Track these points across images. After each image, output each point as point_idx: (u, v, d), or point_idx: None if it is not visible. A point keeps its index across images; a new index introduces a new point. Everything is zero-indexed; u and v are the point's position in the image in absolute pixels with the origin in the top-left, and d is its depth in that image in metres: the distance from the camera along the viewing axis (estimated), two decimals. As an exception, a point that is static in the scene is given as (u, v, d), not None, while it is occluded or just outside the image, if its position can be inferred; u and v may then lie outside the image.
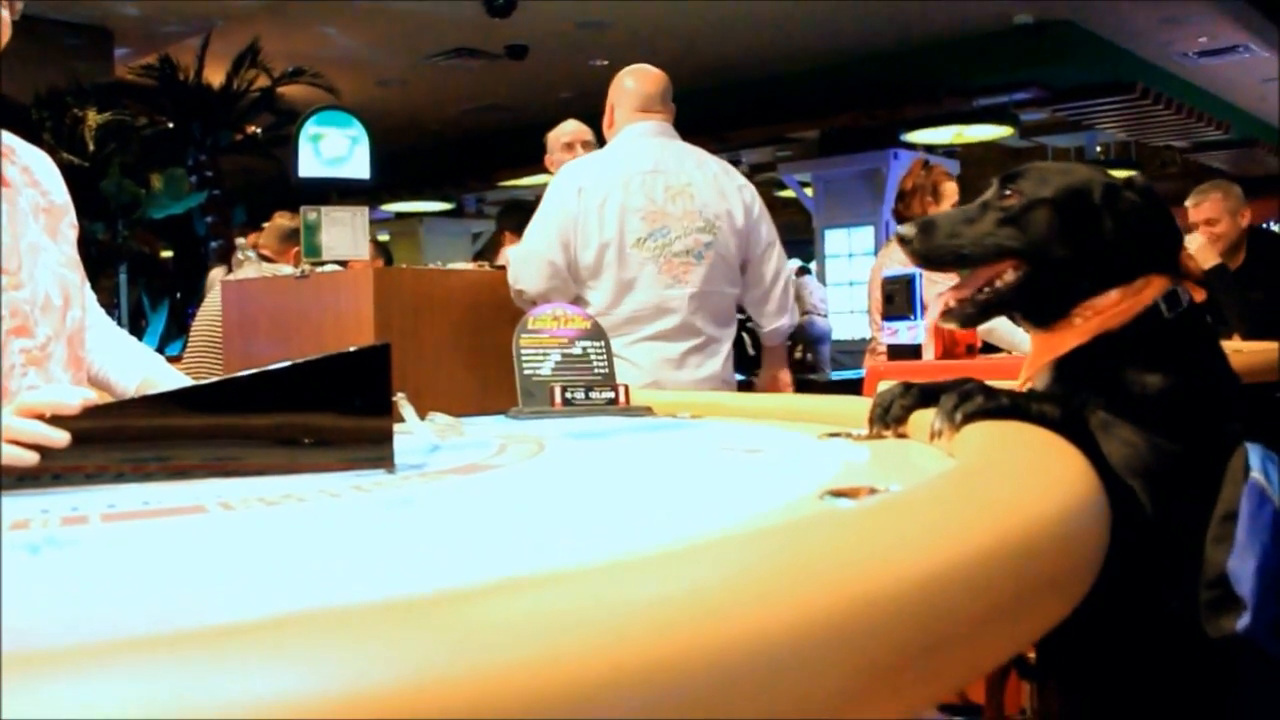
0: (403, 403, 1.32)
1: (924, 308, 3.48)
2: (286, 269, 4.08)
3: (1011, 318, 1.36)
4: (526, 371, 1.81)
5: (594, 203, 2.73)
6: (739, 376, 3.20)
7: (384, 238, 14.63)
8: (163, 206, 8.94)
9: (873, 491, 0.78)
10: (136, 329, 8.46)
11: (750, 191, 2.94)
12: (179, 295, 9.24)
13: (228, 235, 9.05)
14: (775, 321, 3.02)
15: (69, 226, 1.67)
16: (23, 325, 1.50)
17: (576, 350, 1.87)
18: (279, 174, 8.30)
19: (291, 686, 0.29)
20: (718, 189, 2.85)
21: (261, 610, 0.51)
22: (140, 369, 1.74)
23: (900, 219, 4.01)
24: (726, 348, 2.87)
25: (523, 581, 0.39)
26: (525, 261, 2.80)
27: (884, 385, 1.30)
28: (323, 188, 3.72)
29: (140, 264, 9.07)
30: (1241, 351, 2.54)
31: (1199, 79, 11.75)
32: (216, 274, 5.08)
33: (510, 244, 4.28)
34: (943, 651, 0.46)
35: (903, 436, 1.21)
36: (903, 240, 1.31)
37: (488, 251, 13.76)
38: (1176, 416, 1.20)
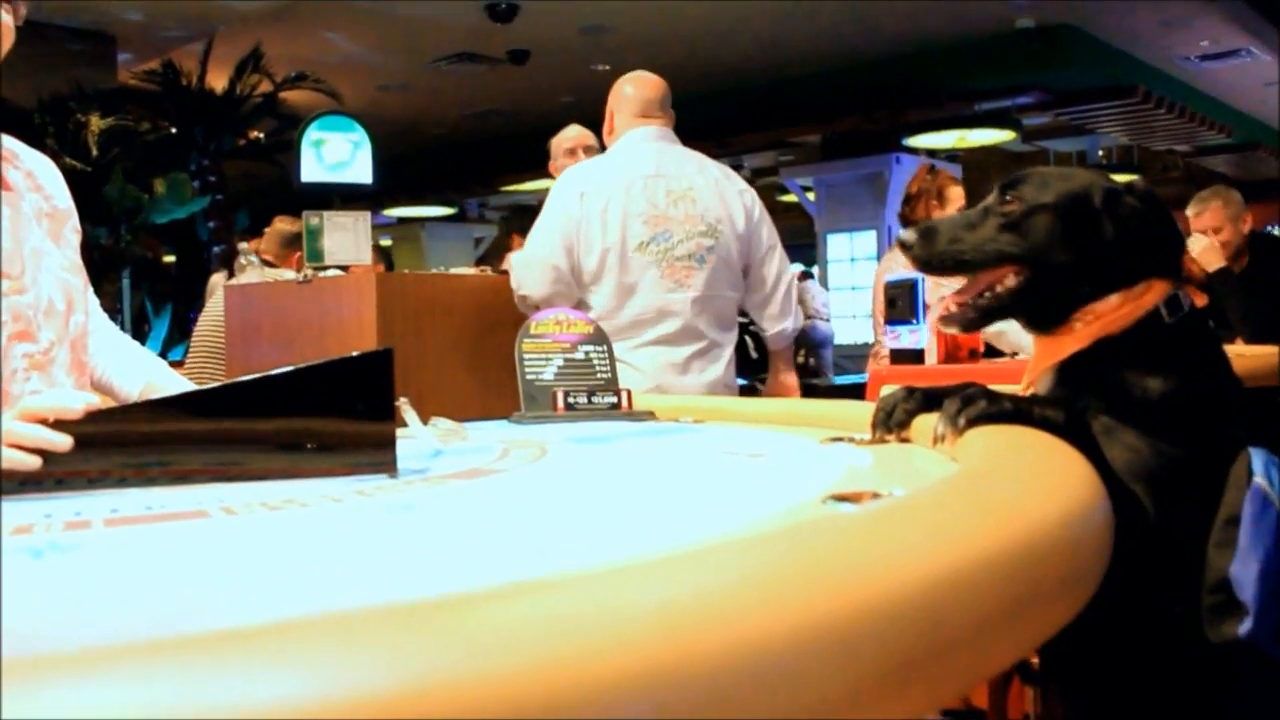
0: (405, 407, 1.32)
1: (927, 311, 3.48)
2: (289, 274, 4.08)
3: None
4: (529, 376, 1.81)
5: (596, 207, 2.73)
6: (741, 381, 3.20)
7: (386, 242, 14.64)
8: (165, 211, 8.96)
9: (875, 496, 0.77)
10: (139, 334, 8.47)
11: (751, 195, 2.95)
12: (182, 300, 9.26)
13: (230, 240, 9.07)
14: (778, 325, 3.02)
15: (72, 231, 1.68)
16: (26, 330, 1.50)
17: (579, 355, 1.87)
18: (282, 179, 8.33)
19: (293, 691, 0.29)
20: (719, 193, 2.86)
21: (263, 615, 0.51)
22: (143, 374, 1.74)
23: (906, 223, 4.02)
24: (729, 352, 2.87)
25: (525, 586, 0.39)
26: (528, 266, 2.80)
27: (887, 390, 1.30)
28: (325, 192, 3.73)
29: (143, 269, 9.08)
30: (1244, 356, 2.54)
31: (1201, 83, 11.76)
32: (218, 279, 5.08)
33: (517, 248, 4.29)
34: (946, 656, 0.46)
35: (906, 441, 1.20)
36: (904, 246, 1.31)
37: (492, 256, 13.78)
38: (1179, 421, 1.20)
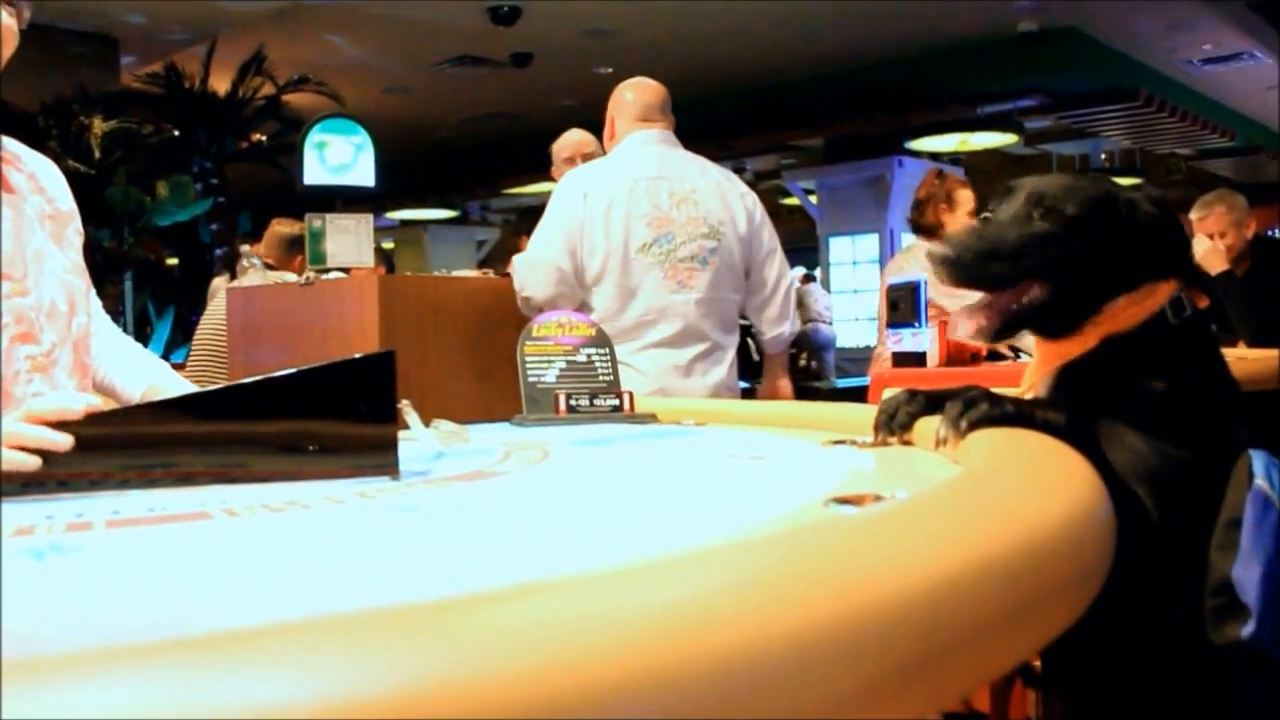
0: (407, 410, 1.32)
1: (929, 315, 3.48)
2: (290, 276, 4.09)
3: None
4: (531, 379, 1.81)
5: (599, 208, 2.73)
6: (743, 384, 3.20)
7: (388, 245, 14.65)
8: (168, 214, 8.97)
9: (878, 499, 0.77)
10: (141, 336, 8.47)
11: (752, 198, 2.96)
12: (184, 303, 9.26)
13: (233, 243, 9.07)
14: (777, 328, 3.03)
15: (74, 233, 1.68)
16: (28, 332, 1.50)
17: (581, 357, 1.87)
18: (284, 181, 8.33)
19: (295, 693, 0.29)
20: (720, 196, 2.86)
21: (265, 617, 0.51)
22: (145, 375, 1.74)
23: (916, 228, 4.03)
24: (731, 354, 2.88)
25: (527, 588, 0.39)
26: (531, 268, 2.81)
27: (889, 393, 1.30)
28: (327, 195, 3.73)
29: (145, 271, 9.09)
30: (1246, 359, 2.54)
31: (1203, 86, 11.75)
32: (219, 282, 5.08)
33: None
34: (948, 659, 0.46)
35: (908, 444, 1.20)
36: (941, 262, 1.28)
37: (495, 258, 13.78)
38: (1182, 422, 1.20)
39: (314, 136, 5.63)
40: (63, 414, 0.99)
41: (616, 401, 1.80)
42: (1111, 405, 1.20)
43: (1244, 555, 1.12)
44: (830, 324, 11.64)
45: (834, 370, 11.07)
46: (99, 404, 1.03)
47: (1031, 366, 1.36)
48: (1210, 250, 3.80)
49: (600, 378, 1.86)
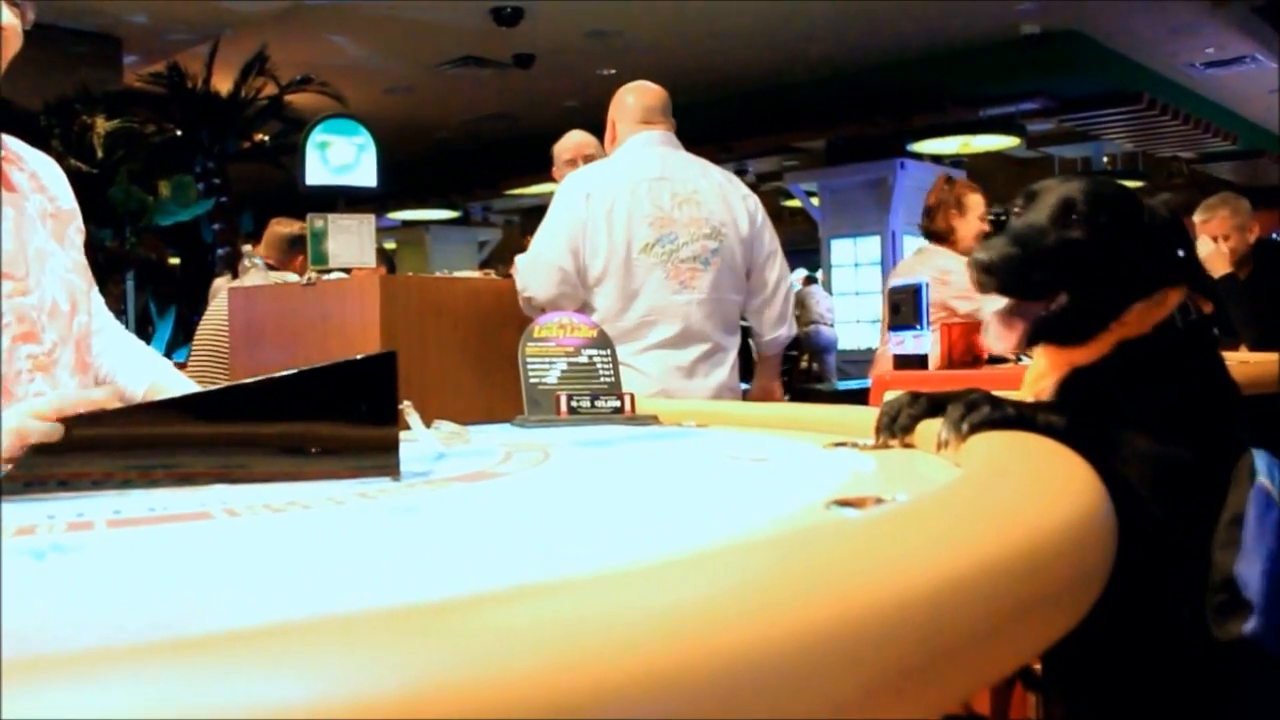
0: (408, 410, 1.32)
1: (939, 318, 3.49)
2: (292, 276, 4.09)
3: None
4: (532, 380, 1.81)
5: (602, 209, 2.74)
6: (744, 385, 3.21)
7: (390, 245, 14.66)
8: (170, 214, 8.97)
9: (879, 501, 0.77)
10: (143, 336, 8.43)
11: (753, 200, 2.96)
12: (186, 302, 9.27)
13: (235, 242, 9.08)
14: (775, 331, 3.04)
15: (76, 232, 1.68)
16: (30, 331, 1.50)
17: (582, 359, 1.87)
18: (286, 181, 8.34)
19: (295, 694, 0.29)
20: (722, 197, 2.87)
21: (266, 617, 0.51)
22: (148, 374, 1.74)
23: (927, 234, 4.05)
24: (733, 356, 2.88)
25: (528, 589, 0.39)
26: (534, 268, 2.81)
27: (890, 395, 1.29)
28: (330, 195, 3.74)
29: (147, 271, 9.09)
30: (1247, 363, 2.54)
31: (1206, 90, 11.76)
32: (220, 282, 5.08)
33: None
34: (948, 662, 0.46)
35: (909, 446, 1.20)
36: (982, 269, 1.26)
37: (498, 259, 13.78)
38: (1188, 424, 1.21)
39: (316, 137, 5.62)
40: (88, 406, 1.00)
41: (618, 403, 1.80)
42: (1119, 408, 1.21)
43: (1246, 552, 1.12)
44: (832, 326, 11.65)
45: (835, 372, 11.08)
46: (117, 391, 1.03)
47: (1033, 370, 1.36)
48: (1214, 253, 3.80)
49: (601, 379, 1.86)
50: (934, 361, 3.21)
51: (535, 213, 4.74)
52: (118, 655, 0.30)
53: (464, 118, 12.67)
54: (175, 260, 10.47)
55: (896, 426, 1.21)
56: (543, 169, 3.94)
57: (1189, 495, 1.18)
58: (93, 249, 1.73)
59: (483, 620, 0.35)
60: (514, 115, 12.32)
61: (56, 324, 1.55)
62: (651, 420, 1.77)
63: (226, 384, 1.21)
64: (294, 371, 1.05)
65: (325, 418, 1.06)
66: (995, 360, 3.22)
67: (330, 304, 3.21)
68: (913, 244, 12.01)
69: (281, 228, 4.51)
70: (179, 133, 9.92)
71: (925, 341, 3.20)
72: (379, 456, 1.05)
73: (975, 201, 3.93)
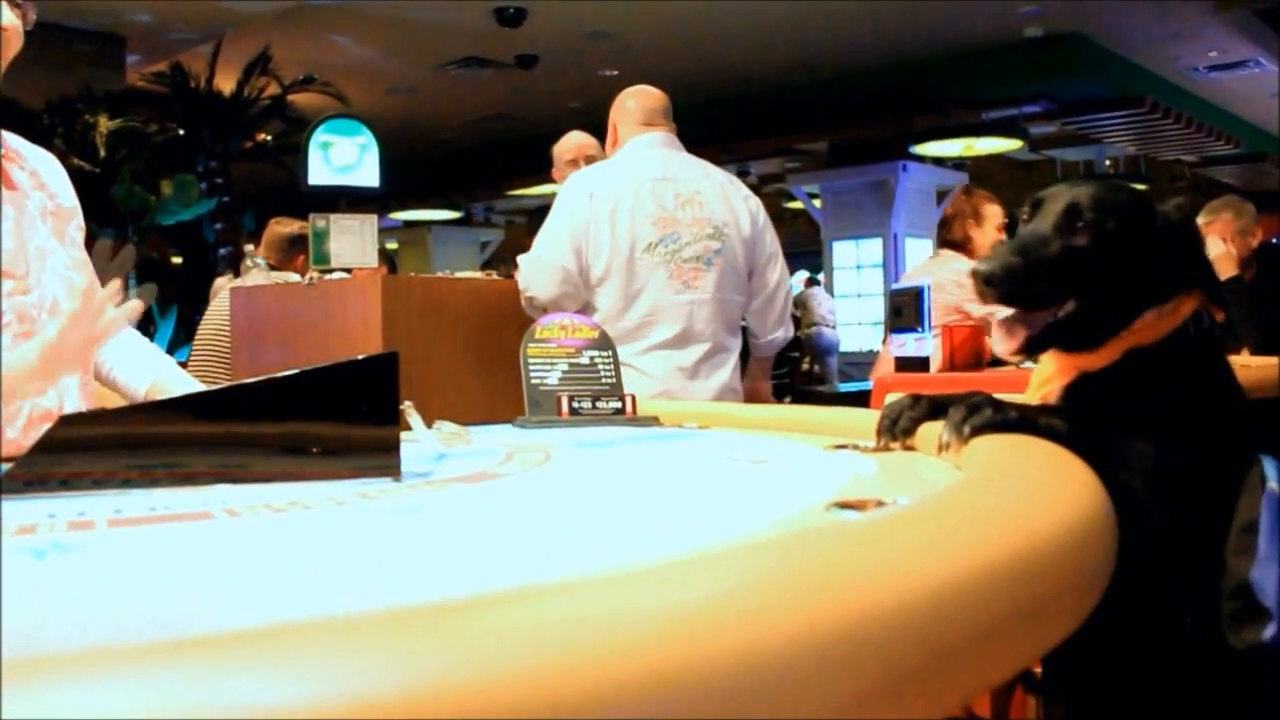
0: (410, 411, 1.32)
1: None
2: (293, 276, 4.09)
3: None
4: (533, 381, 1.81)
5: (605, 208, 2.74)
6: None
7: (392, 246, 14.66)
8: (172, 213, 8.98)
9: (880, 504, 0.77)
10: (145, 334, 8.46)
11: (755, 202, 2.97)
12: (187, 302, 9.27)
13: (237, 242, 9.08)
14: (774, 332, 3.05)
15: (76, 229, 1.68)
16: (30, 330, 1.50)
17: (584, 360, 1.87)
18: (289, 181, 8.34)
19: (295, 694, 0.29)
20: (724, 198, 2.88)
21: (266, 617, 0.51)
22: (150, 372, 1.74)
23: (944, 244, 4.06)
24: (735, 357, 2.89)
25: (529, 591, 0.39)
26: (536, 267, 2.81)
27: (892, 397, 1.29)
28: (332, 195, 3.73)
29: (149, 270, 9.09)
30: (1249, 367, 2.54)
31: (1208, 93, 11.76)
32: (221, 282, 5.08)
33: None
34: (949, 665, 0.46)
35: (910, 449, 1.20)
36: (983, 281, 1.26)
37: (500, 260, 13.78)
38: (1192, 431, 1.21)
39: (319, 136, 5.62)
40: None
41: (619, 404, 1.80)
42: (1129, 414, 1.20)
43: (1262, 558, 1.12)
44: (833, 328, 11.64)
45: (837, 374, 11.07)
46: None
47: (1039, 373, 1.36)
48: (1223, 255, 3.79)
49: (603, 380, 1.86)
50: (936, 364, 3.21)
51: (541, 213, 4.75)
52: (118, 655, 0.30)
53: (466, 118, 12.68)
54: (177, 260, 10.47)
55: (898, 429, 1.21)
56: (545, 170, 3.94)
57: (1191, 500, 1.18)
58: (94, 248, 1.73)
59: (483, 621, 0.35)
60: (516, 116, 12.32)
61: (57, 322, 1.55)
62: (652, 421, 1.77)
63: (228, 384, 1.21)
64: (295, 371, 1.05)
65: (326, 418, 1.06)
66: (997, 363, 3.22)
67: (332, 304, 3.21)
68: (914, 246, 12.04)
69: (281, 228, 4.50)
70: (181, 132, 9.92)
71: (927, 344, 3.21)
72: (380, 457, 1.05)
73: (993, 212, 3.95)
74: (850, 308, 12.40)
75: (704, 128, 8.50)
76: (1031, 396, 1.34)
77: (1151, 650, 1.21)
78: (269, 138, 10.72)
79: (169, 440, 1.01)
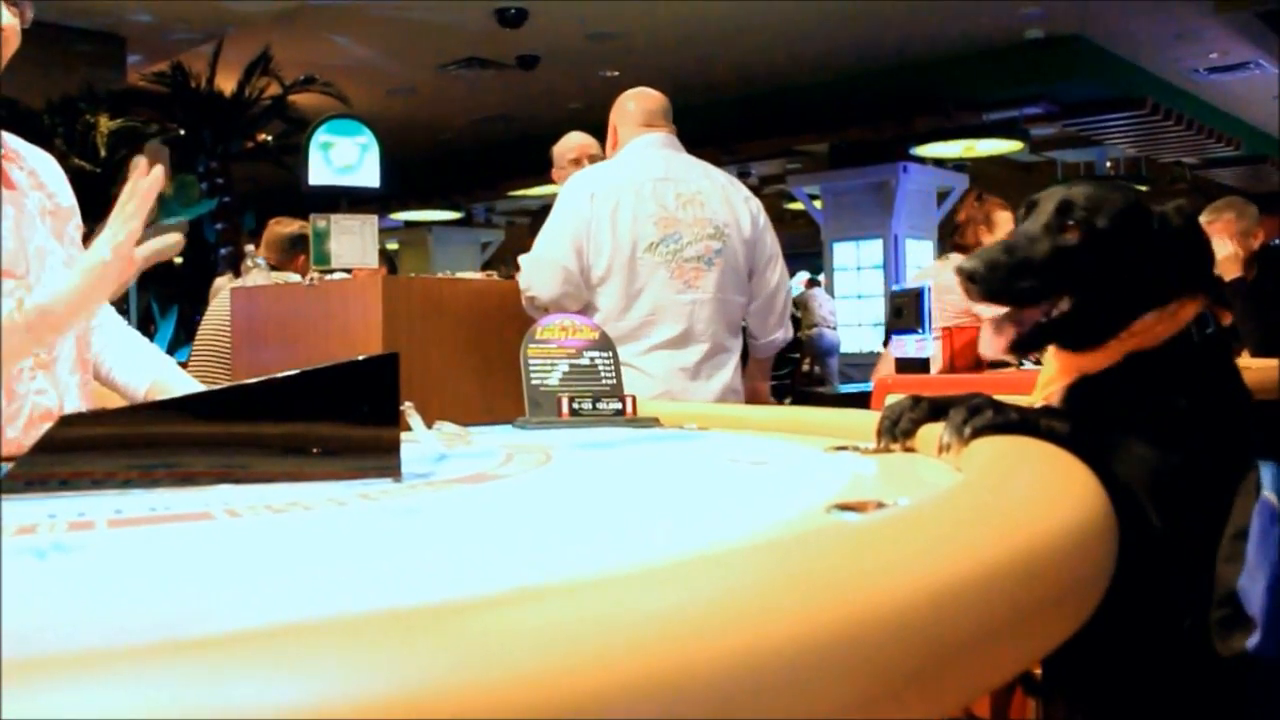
0: (410, 412, 1.33)
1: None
2: (293, 276, 4.09)
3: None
4: (534, 381, 1.81)
5: (606, 208, 2.74)
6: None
7: (393, 246, 14.65)
8: (173, 213, 8.97)
9: (880, 505, 0.77)
10: (145, 335, 8.45)
11: (756, 203, 2.98)
12: (188, 302, 9.27)
13: (237, 242, 9.08)
14: (774, 333, 3.05)
15: (75, 229, 1.68)
16: (31, 330, 1.50)
17: (584, 361, 1.87)
18: (289, 181, 8.34)
19: (295, 695, 0.29)
20: (725, 198, 2.88)
21: (267, 618, 0.51)
22: (150, 372, 1.74)
23: (956, 250, 4.07)
24: (736, 357, 2.89)
25: (529, 592, 0.39)
26: (538, 267, 2.81)
27: (892, 399, 1.29)
28: (333, 195, 3.73)
29: (150, 270, 9.08)
30: (1249, 369, 2.53)
31: (1209, 95, 11.76)
32: (221, 281, 5.08)
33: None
34: (949, 667, 0.46)
35: (911, 450, 1.20)
36: (966, 278, 1.26)
37: (500, 260, 13.78)
38: (1198, 436, 1.20)
39: (319, 137, 5.62)
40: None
41: (619, 405, 1.80)
42: (1130, 417, 1.20)
43: (1250, 567, 1.11)
44: (834, 329, 11.64)
45: (837, 375, 11.07)
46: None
47: (1044, 375, 1.36)
48: (1230, 256, 3.78)
49: (603, 381, 1.87)
50: (936, 365, 3.21)
51: (542, 214, 4.74)
52: (118, 655, 0.30)
53: (467, 119, 12.67)
54: (178, 260, 10.46)
55: (898, 430, 1.21)
56: (546, 170, 3.94)
57: (1191, 504, 1.17)
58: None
59: (484, 623, 0.35)
60: (517, 116, 12.32)
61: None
62: (653, 423, 1.77)
63: (228, 384, 1.21)
64: (296, 372, 1.05)
65: (327, 418, 1.06)
66: (997, 365, 3.23)
67: (332, 304, 3.21)
68: (915, 247, 12.05)
69: (280, 228, 4.50)
70: (182, 132, 9.92)
71: (927, 345, 3.21)
72: (380, 457, 1.05)
73: (1004, 219, 3.96)
74: (850, 309, 12.41)
75: (705, 128, 8.50)
76: (1036, 397, 1.34)
77: (1151, 653, 1.21)
78: (270, 138, 10.72)
79: (169, 440, 1.01)
